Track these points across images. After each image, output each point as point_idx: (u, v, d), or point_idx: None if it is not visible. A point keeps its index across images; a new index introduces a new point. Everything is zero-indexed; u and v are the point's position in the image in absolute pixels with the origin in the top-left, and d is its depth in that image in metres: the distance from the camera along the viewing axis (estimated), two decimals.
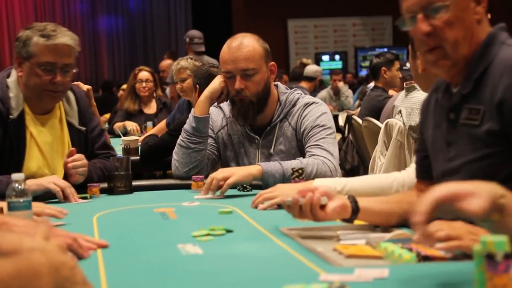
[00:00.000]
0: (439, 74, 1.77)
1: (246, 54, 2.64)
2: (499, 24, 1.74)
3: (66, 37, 2.60)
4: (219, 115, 2.83)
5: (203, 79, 3.87)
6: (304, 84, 8.08)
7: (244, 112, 2.68)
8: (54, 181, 2.43)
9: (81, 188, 2.52)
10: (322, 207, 1.71)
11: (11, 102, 2.60)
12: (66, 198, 2.41)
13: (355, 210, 1.73)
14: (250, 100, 2.66)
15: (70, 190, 2.43)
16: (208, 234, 1.76)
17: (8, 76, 2.66)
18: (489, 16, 1.76)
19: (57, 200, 2.42)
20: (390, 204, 1.79)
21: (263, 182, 2.48)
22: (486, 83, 1.63)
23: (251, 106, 2.67)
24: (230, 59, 2.66)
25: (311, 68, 8.43)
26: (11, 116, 2.59)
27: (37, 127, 2.66)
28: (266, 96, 2.71)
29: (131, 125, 5.40)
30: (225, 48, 2.69)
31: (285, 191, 2.12)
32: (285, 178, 2.47)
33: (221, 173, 2.42)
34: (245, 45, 2.66)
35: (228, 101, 2.76)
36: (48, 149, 2.66)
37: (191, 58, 5.14)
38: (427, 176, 1.84)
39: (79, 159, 2.57)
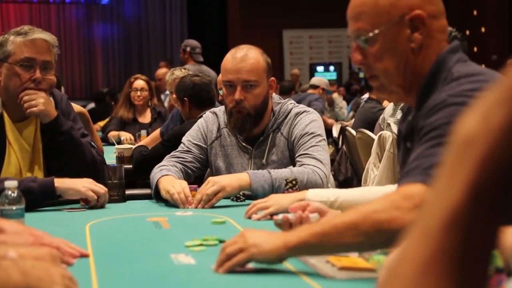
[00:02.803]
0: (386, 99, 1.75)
1: (249, 66, 2.63)
2: (450, 45, 1.63)
3: (43, 34, 2.57)
4: (214, 124, 2.80)
5: (189, 90, 3.87)
6: (311, 91, 9.04)
7: (241, 124, 2.67)
8: (92, 188, 2.40)
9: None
10: None
11: None
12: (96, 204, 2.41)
13: None
14: (248, 112, 2.65)
15: (105, 197, 2.43)
16: (201, 244, 1.76)
17: None
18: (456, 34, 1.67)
19: (79, 205, 2.44)
20: None
21: (252, 192, 2.47)
22: None
23: (249, 119, 2.66)
24: (233, 69, 2.64)
25: (316, 79, 9.80)
26: None
27: (14, 134, 2.61)
28: (263, 110, 2.70)
29: (125, 135, 5.40)
30: (228, 57, 2.68)
31: (279, 201, 2.13)
32: (273, 188, 2.46)
33: (210, 186, 2.41)
34: (249, 57, 2.65)
35: (224, 112, 2.76)
36: (23, 157, 2.61)
37: (185, 68, 5.14)
38: None
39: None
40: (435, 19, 1.60)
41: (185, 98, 3.86)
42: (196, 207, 2.38)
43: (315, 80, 9.66)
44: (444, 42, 1.63)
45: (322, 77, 11.17)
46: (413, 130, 1.60)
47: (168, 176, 2.56)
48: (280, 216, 1.74)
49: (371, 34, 1.57)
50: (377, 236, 1.41)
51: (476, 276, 0.61)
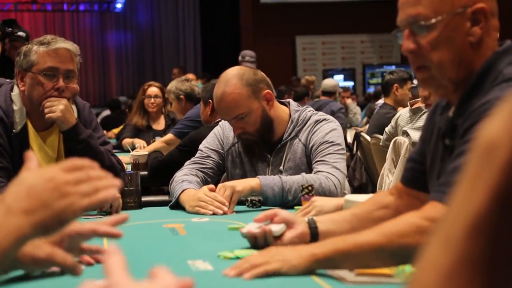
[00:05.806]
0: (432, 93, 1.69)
1: (231, 103, 2.60)
2: (503, 46, 1.55)
3: (66, 43, 2.59)
4: (231, 131, 2.79)
5: None
6: (325, 98, 8.12)
7: (250, 150, 2.70)
8: None
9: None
10: (280, 236, 1.71)
11: (15, 116, 2.57)
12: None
13: (314, 235, 1.71)
14: (253, 139, 2.66)
15: (119, 202, 2.45)
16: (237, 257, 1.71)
17: (12, 89, 2.62)
18: (497, 35, 1.57)
19: (95, 212, 2.47)
20: (352, 223, 1.74)
21: (262, 195, 2.48)
22: None
23: (255, 143, 2.67)
24: (218, 109, 2.67)
25: (329, 83, 8.41)
26: (14, 130, 2.56)
27: (38, 143, 2.63)
28: (268, 127, 2.68)
29: (139, 142, 5.42)
30: (214, 95, 2.69)
31: (321, 205, 2.14)
32: (284, 191, 2.46)
33: (223, 192, 2.42)
34: (227, 93, 2.60)
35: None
36: (48, 165, 2.62)
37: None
38: (413, 185, 1.75)
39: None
40: (493, 16, 1.55)
41: (210, 100, 3.88)
42: (212, 213, 2.39)
43: (328, 85, 8.36)
44: (497, 41, 1.57)
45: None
46: (453, 128, 1.54)
47: (189, 190, 2.55)
48: (245, 230, 1.76)
49: (433, 20, 1.50)
50: (402, 258, 1.44)
51: (500, 282, 0.60)
